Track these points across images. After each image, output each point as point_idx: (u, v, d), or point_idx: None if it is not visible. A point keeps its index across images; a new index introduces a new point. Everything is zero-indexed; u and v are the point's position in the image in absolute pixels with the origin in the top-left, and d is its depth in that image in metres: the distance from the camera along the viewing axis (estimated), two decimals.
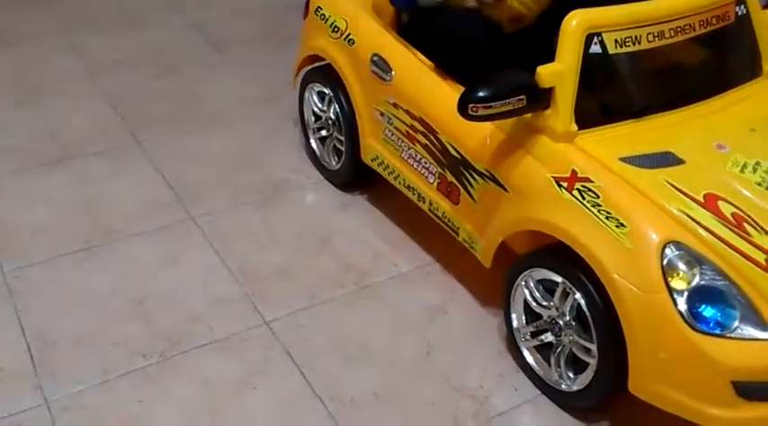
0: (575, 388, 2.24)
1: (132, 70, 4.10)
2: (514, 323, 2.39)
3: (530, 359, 2.37)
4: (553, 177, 2.20)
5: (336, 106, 3.05)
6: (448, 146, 2.54)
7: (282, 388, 2.37)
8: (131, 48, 4.31)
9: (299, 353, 2.47)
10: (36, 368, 2.40)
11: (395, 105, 2.73)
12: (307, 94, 3.25)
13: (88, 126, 3.61)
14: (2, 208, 3.08)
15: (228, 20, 4.68)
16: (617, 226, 2.03)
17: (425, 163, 2.67)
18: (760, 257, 1.98)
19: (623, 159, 2.16)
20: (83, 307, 2.63)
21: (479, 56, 2.49)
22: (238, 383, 2.37)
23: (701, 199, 2.06)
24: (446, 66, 2.58)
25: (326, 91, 3.10)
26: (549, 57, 2.23)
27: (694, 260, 1.97)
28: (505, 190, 2.34)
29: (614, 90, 2.38)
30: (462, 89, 2.25)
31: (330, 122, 3.16)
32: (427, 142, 2.63)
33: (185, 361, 2.44)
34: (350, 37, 2.91)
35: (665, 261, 1.96)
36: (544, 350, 2.33)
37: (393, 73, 2.73)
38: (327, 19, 3.03)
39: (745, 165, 2.15)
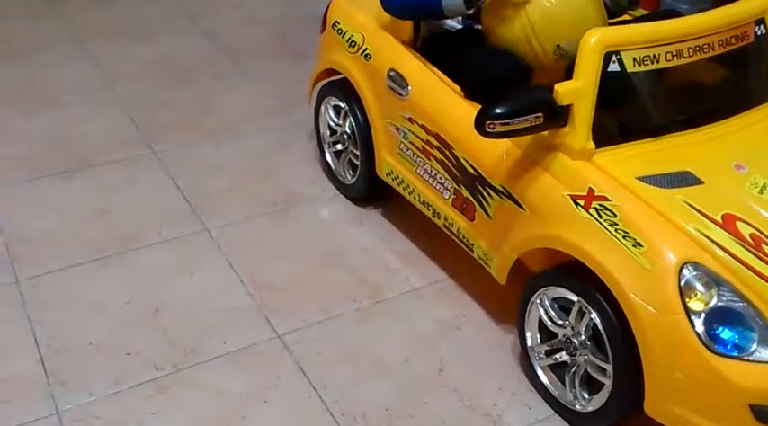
0: (589, 409, 2.22)
1: (147, 80, 4.12)
2: (529, 342, 2.38)
3: (544, 378, 2.35)
4: (570, 195, 2.19)
5: (352, 120, 3.06)
6: (464, 162, 2.53)
7: (294, 402, 2.36)
8: (146, 58, 4.34)
9: (311, 367, 2.47)
10: (48, 378, 2.40)
11: (411, 120, 2.73)
12: (322, 108, 3.26)
13: (103, 135, 3.63)
14: (16, 217, 3.09)
15: (243, 30, 4.70)
16: (634, 246, 2.02)
17: (441, 178, 2.66)
18: None
19: (641, 178, 2.14)
20: (96, 317, 2.63)
21: None
22: (250, 396, 2.37)
23: (720, 220, 2.04)
24: (472, 97, 2.55)
25: (342, 105, 3.11)
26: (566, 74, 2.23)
27: (712, 281, 1.95)
28: (521, 207, 2.33)
29: (632, 108, 2.37)
30: (479, 105, 2.25)
31: (345, 136, 3.16)
32: (443, 158, 2.63)
33: (198, 373, 2.44)
34: (367, 52, 2.92)
35: (682, 282, 1.95)
36: (559, 369, 2.31)
37: (410, 88, 2.73)
38: (344, 33, 3.03)
39: (764, 186, 2.13)
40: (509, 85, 2.36)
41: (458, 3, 2.48)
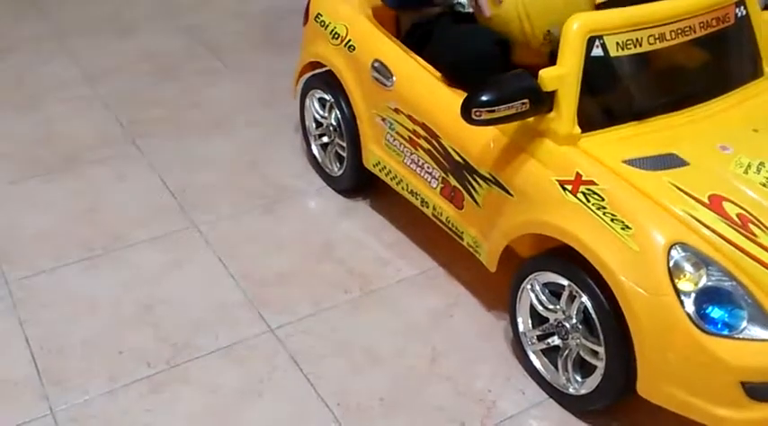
0: (582, 392, 2.24)
1: (130, 76, 4.11)
2: (520, 327, 2.39)
3: (536, 363, 2.36)
4: (557, 180, 2.20)
5: (338, 112, 3.06)
6: (451, 150, 2.54)
7: (288, 395, 2.36)
8: (128, 54, 4.32)
9: (305, 360, 2.47)
10: (41, 378, 2.39)
11: (396, 111, 2.74)
12: (308, 101, 3.25)
13: (88, 133, 3.62)
14: (4, 217, 3.08)
15: (225, 25, 4.69)
16: (622, 229, 2.04)
17: (428, 168, 2.67)
18: (766, 257, 1.98)
19: (627, 161, 2.16)
20: (87, 316, 2.62)
21: (490, 72, 2.44)
22: (244, 390, 2.37)
23: (706, 201, 2.06)
24: (452, 78, 2.57)
25: (327, 97, 3.11)
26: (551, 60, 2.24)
27: (701, 261, 1.97)
28: (509, 193, 2.34)
29: (616, 92, 2.38)
30: (464, 93, 2.26)
31: (331, 129, 3.16)
32: (430, 147, 2.63)
33: (191, 369, 2.43)
34: (350, 43, 2.92)
35: (671, 263, 1.96)
36: (551, 353, 2.33)
37: (394, 78, 2.73)
38: (327, 25, 3.03)
39: (749, 166, 2.15)
40: (488, 60, 2.35)
41: None
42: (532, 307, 2.34)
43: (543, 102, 2.19)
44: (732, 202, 2.06)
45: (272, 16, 4.74)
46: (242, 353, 2.50)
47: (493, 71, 2.41)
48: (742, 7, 2.45)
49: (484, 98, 2.15)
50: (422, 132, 2.64)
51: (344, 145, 3.08)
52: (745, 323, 1.92)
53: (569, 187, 2.17)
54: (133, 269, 2.83)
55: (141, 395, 2.35)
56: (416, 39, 2.80)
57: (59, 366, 2.44)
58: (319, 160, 3.29)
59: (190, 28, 4.64)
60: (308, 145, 3.34)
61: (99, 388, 2.36)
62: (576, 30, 2.19)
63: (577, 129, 2.20)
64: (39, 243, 2.94)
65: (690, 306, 1.93)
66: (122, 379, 2.39)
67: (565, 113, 2.19)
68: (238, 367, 2.45)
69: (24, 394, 2.34)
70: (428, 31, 2.76)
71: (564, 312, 2.24)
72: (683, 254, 1.97)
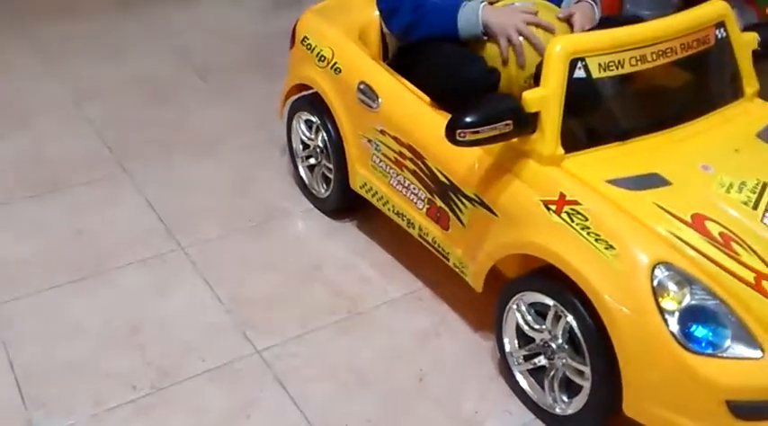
0: (569, 412, 2.23)
1: (118, 98, 4.10)
2: (507, 348, 2.39)
3: (523, 383, 2.36)
4: (541, 200, 2.21)
5: (324, 134, 3.07)
6: (436, 171, 2.55)
7: (275, 418, 2.35)
8: (117, 76, 4.32)
9: (292, 382, 2.46)
10: (25, 403, 2.37)
11: (382, 132, 2.75)
12: (294, 123, 3.27)
13: (75, 155, 3.60)
14: None
15: (214, 47, 4.70)
16: (606, 249, 2.05)
17: (414, 189, 2.68)
18: (749, 276, 1.99)
19: (610, 181, 2.17)
20: (73, 339, 2.60)
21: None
22: (231, 413, 2.36)
23: (689, 220, 2.08)
24: (440, 102, 2.59)
25: (314, 119, 3.12)
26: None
27: (684, 280, 1.98)
28: (494, 214, 2.35)
29: (599, 113, 2.41)
30: (449, 115, 2.27)
31: (318, 150, 3.17)
32: (415, 168, 2.64)
33: (178, 392, 2.42)
34: (336, 65, 2.94)
35: (655, 282, 1.97)
36: (538, 373, 2.33)
37: (380, 100, 2.75)
38: (314, 48, 3.05)
39: (730, 185, 2.17)
40: (478, 88, 2.39)
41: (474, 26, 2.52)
42: (518, 327, 2.34)
43: (527, 123, 2.21)
44: (714, 221, 2.08)
45: (262, 39, 4.76)
46: (228, 376, 2.48)
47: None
48: (722, 29, 2.48)
49: (468, 119, 2.16)
50: (408, 153, 2.66)
51: (331, 166, 3.09)
52: (728, 342, 1.93)
53: (553, 207, 2.18)
54: (119, 291, 2.82)
55: (126, 419, 2.33)
56: (404, 63, 2.82)
57: (44, 390, 2.42)
58: (306, 182, 3.30)
59: (180, 50, 4.65)
60: (295, 166, 3.35)
61: (84, 412, 2.34)
62: (558, 51, 2.21)
63: (561, 150, 2.22)
64: (23, 265, 2.92)
65: (674, 324, 1.94)
66: (107, 403, 2.37)
67: (548, 134, 2.21)
68: (225, 389, 2.43)
69: (7, 419, 2.32)
70: (415, 55, 2.77)
71: (550, 332, 2.24)
72: (667, 274, 1.98)
